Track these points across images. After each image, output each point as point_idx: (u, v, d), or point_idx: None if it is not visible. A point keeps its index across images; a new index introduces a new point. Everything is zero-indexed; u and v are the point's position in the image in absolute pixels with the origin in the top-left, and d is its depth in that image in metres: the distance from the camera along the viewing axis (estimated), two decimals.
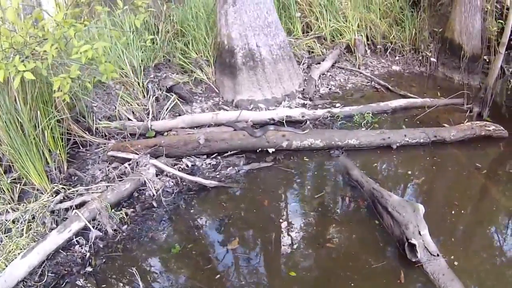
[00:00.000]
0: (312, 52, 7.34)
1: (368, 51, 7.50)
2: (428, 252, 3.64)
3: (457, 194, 4.59)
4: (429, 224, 3.82)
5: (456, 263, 3.68)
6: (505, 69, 6.32)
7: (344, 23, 7.43)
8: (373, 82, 6.84)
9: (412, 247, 3.64)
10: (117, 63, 5.77)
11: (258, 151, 5.17)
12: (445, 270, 3.52)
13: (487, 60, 6.56)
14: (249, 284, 3.67)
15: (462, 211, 4.34)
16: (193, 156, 5.13)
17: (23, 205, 4.26)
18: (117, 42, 5.65)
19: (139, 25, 4.31)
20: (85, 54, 3.89)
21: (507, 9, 6.35)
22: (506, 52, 5.70)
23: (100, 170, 4.93)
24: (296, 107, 5.99)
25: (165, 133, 5.44)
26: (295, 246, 4.03)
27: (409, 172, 4.96)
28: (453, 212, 4.29)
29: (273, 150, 5.13)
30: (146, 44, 5.48)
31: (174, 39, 6.68)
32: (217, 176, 4.90)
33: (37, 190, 4.44)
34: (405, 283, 3.55)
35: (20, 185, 4.48)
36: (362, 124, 5.67)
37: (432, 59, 7.11)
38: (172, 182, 4.79)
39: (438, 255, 3.61)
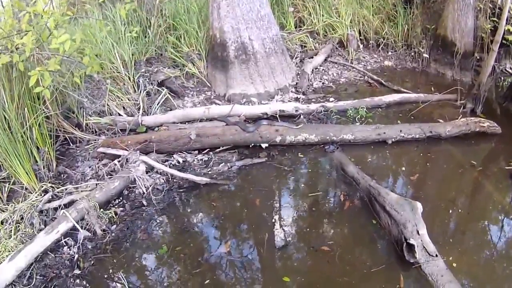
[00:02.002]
0: (305, 46, 7.09)
1: (361, 46, 7.26)
2: (426, 252, 3.39)
3: (454, 192, 4.34)
4: (427, 223, 3.59)
5: (454, 264, 3.44)
6: (496, 67, 6.12)
7: (337, 18, 7.17)
8: (366, 77, 6.61)
9: (410, 247, 3.39)
10: (108, 57, 5.49)
11: (251, 146, 4.90)
12: (443, 271, 3.29)
13: (479, 58, 6.37)
14: None
15: (459, 209, 4.09)
16: (184, 152, 4.85)
17: (12, 205, 3.98)
18: (107, 36, 5.40)
19: (124, 14, 4.02)
20: (63, 45, 3.64)
21: (499, 8, 6.13)
22: (498, 50, 5.50)
23: (90, 167, 4.65)
24: (289, 101, 5.74)
25: (156, 129, 5.15)
26: (288, 249, 3.72)
27: (405, 168, 4.71)
28: (450, 210, 4.03)
29: (267, 145, 4.86)
30: (132, 35, 5.15)
31: (166, 33, 6.38)
32: (209, 172, 4.61)
33: (26, 189, 4.18)
34: (405, 287, 3.28)
35: (9, 184, 4.21)
36: (356, 118, 5.43)
37: (424, 55, 6.88)
38: (163, 179, 4.50)
39: (436, 255, 3.37)
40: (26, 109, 4.24)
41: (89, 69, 4.13)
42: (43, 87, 3.86)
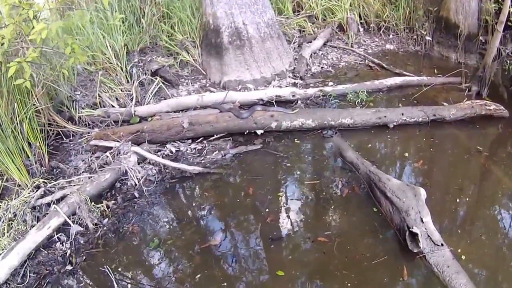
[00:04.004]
0: (303, 31, 6.77)
1: (361, 30, 6.92)
2: (431, 241, 3.12)
3: (460, 179, 4.02)
4: (431, 211, 3.33)
5: (463, 256, 3.17)
6: (501, 50, 5.81)
7: (336, 1, 6.82)
8: (367, 61, 6.29)
9: (414, 236, 3.12)
10: (100, 48, 5.26)
11: (246, 133, 4.64)
12: (450, 261, 3.03)
13: (484, 41, 6.08)
14: (230, 286, 3.14)
15: (467, 197, 3.80)
16: (177, 141, 4.61)
17: (5, 202, 3.81)
18: (97, 26, 5.23)
19: (107, 3, 3.83)
20: (40, 35, 3.45)
21: None
22: (503, 33, 5.25)
23: (83, 160, 4.43)
24: (286, 86, 5.43)
25: (149, 118, 4.90)
26: (283, 241, 3.48)
27: (407, 154, 4.41)
28: (456, 198, 3.75)
29: (262, 132, 4.60)
30: (115, 23, 4.91)
31: (160, 22, 6.11)
32: (202, 161, 4.37)
33: (19, 185, 3.99)
34: (409, 279, 3.02)
35: (1, 181, 4.01)
36: (356, 103, 5.13)
37: (427, 38, 6.55)
38: (155, 169, 4.28)
39: (442, 244, 3.10)
40: (16, 104, 4.05)
41: (72, 60, 3.91)
42: (25, 79, 3.66)
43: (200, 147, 4.55)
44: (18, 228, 3.61)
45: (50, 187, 3.99)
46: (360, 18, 6.93)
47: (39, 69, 4.37)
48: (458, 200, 3.72)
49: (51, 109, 4.63)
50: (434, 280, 2.97)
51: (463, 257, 3.14)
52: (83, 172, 4.25)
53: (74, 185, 3.98)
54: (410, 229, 3.13)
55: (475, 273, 3.05)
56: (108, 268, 3.28)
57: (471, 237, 3.39)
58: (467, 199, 3.77)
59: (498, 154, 4.38)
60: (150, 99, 5.14)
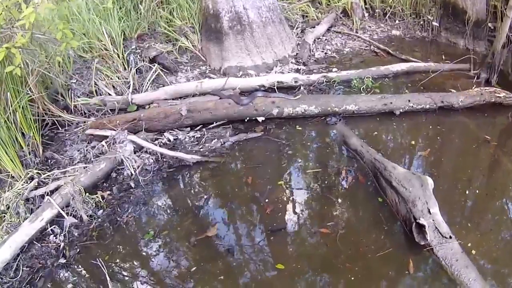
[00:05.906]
0: (307, 16, 6.63)
1: (366, 15, 6.76)
2: (439, 233, 2.99)
3: (468, 169, 3.89)
4: (439, 201, 3.21)
5: (473, 250, 3.03)
6: (511, 37, 5.60)
7: None
8: (372, 47, 6.15)
9: (421, 228, 2.99)
10: (96, 35, 5.12)
11: (246, 120, 4.52)
12: (458, 255, 2.90)
13: (492, 27, 5.96)
14: (228, 280, 3.03)
15: (476, 188, 3.67)
16: (175, 129, 4.48)
17: None
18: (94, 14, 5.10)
19: None
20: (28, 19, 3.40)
21: None
22: None
23: (78, 150, 4.33)
24: (288, 72, 5.29)
25: (147, 106, 4.77)
26: (284, 232, 3.35)
27: (414, 142, 4.28)
28: (465, 189, 3.62)
29: (263, 119, 4.48)
30: (107, 6, 4.75)
31: (158, 7, 5.96)
32: (201, 150, 4.24)
33: (12, 177, 3.88)
34: (415, 273, 2.90)
35: None
36: (361, 89, 4.98)
37: (434, 23, 6.38)
38: (152, 159, 4.14)
39: (450, 237, 2.96)
40: (9, 93, 3.93)
41: (64, 46, 3.83)
42: (15, 65, 3.60)
43: (199, 135, 4.43)
44: (10, 221, 3.52)
45: (44, 178, 3.89)
46: (365, 3, 6.77)
47: (33, 57, 4.24)
48: (467, 191, 3.59)
49: (46, 98, 4.51)
50: (442, 274, 2.85)
51: (473, 251, 3.00)
52: (78, 162, 4.15)
53: (69, 176, 3.87)
54: (417, 221, 3.00)
55: (485, 268, 2.92)
56: (101, 260, 3.16)
57: (481, 230, 3.25)
58: (476, 190, 3.64)
59: (507, 144, 4.25)
60: (148, 87, 5.01)
